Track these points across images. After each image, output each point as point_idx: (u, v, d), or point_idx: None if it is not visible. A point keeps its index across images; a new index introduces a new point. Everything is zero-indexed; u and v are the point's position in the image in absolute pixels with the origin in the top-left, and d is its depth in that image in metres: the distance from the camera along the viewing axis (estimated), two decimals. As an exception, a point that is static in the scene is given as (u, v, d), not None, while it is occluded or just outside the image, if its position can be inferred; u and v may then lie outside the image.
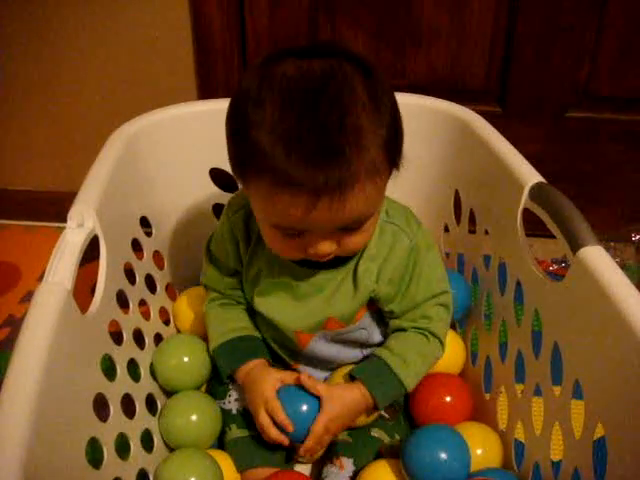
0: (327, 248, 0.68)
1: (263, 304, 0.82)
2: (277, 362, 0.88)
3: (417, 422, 0.88)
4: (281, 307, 0.81)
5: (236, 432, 0.84)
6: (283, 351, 0.87)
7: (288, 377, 0.80)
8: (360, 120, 0.60)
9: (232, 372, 0.85)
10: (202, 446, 0.84)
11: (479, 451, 0.80)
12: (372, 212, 0.68)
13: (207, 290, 0.92)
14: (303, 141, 0.59)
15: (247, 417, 0.84)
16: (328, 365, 0.87)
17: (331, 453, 0.81)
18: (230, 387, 0.87)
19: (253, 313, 0.87)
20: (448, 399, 0.87)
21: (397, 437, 0.83)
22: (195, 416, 0.83)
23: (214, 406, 0.86)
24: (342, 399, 0.78)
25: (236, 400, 0.86)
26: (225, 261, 0.86)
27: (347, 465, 0.78)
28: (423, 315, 0.81)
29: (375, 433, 0.81)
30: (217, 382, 0.89)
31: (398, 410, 0.86)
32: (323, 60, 0.62)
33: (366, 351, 0.86)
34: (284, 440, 0.77)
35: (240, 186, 0.79)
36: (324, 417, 0.76)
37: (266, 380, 0.79)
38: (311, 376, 0.79)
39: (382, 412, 0.84)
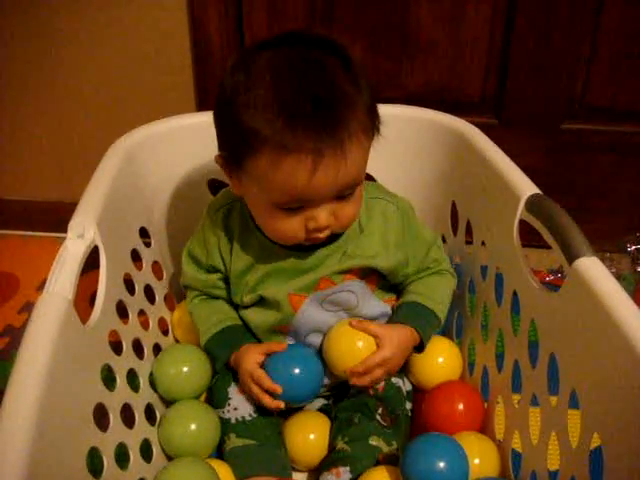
0: (326, 217, 0.73)
1: (260, 287, 0.85)
2: None
3: (426, 429, 0.87)
4: (277, 282, 0.84)
5: (235, 441, 0.84)
6: (271, 335, 0.88)
7: (273, 347, 0.85)
8: (345, 85, 0.68)
9: (226, 361, 0.88)
10: (201, 455, 0.84)
11: (477, 461, 0.80)
12: (362, 178, 0.74)
13: (186, 290, 0.94)
14: (301, 107, 0.65)
15: (246, 426, 0.84)
16: (315, 338, 0.88)
17: (329, 463, 0.82)
18: (229, 396, 0.87)
19: (235, 306, 0.91)
20: (461, 407, 0.88)
21: (395, 445, 0.83)
22: (194, 425, 0.83)
23: (213, 415, 0.86)
24: (397, 339, 0.84)
25: (235, 409, 0.86)
26: (205, 259, 0.88)
27: (344, 474, 0.79)
28: (431, 260, 0.90)
29: (373, 441, 0.81)
30: (216, 391, 0.89)
31: (395, 418, 0.87)
32: (297, 47, 0.70)
33: None
34: (279, 404, 0.82)
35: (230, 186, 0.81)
36: (381, 354, 0.82)
37: (248, 356, 0.84)
38: (361, 319, 0.85)
39: (380, 419, 0.85)
